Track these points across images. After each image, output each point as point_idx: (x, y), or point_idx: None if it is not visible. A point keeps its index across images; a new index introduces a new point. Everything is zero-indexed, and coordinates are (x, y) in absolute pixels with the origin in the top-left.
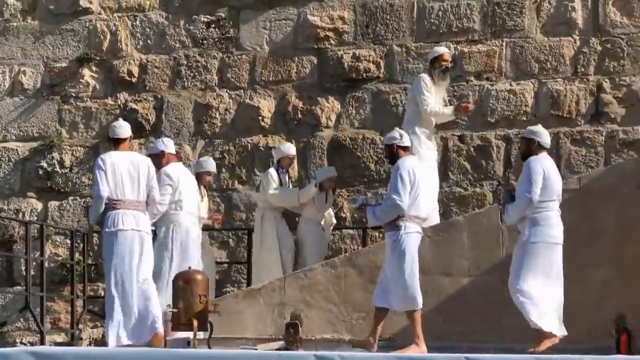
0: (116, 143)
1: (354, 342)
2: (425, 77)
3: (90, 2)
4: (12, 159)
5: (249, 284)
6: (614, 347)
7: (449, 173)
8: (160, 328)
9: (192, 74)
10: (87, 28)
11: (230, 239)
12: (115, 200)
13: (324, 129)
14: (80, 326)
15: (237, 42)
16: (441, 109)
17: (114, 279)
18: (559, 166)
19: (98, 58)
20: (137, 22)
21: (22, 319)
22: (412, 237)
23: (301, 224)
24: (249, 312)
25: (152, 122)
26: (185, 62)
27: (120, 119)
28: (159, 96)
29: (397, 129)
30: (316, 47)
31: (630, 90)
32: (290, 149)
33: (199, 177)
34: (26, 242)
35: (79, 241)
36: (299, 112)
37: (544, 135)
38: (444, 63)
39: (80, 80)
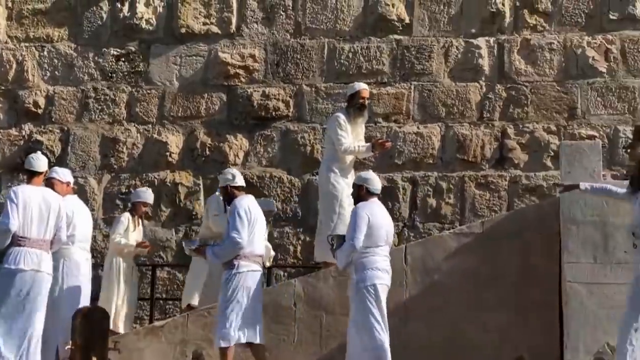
0: (31, 176)
1: None
2: (340, 116)
3: None
4: None
5: (151, 320)
6: None
7: None
8: None
9: (100, 107)
10: None
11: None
12: (21, 237)
13: (231, 166)
14: None
15: (147, 76)
16: (356, 147)
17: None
18: (463, 209)
19: (3, 87)
20: (45, 53)
21: None
22: (245, 275)
23: None
24: (150, 350)
25: (57, 154)
26: (93, 94)
27: (39, 152)
28: (65, 128)
29: (230, 169)
30: (226, 84)
31: (533, 137)
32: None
33: (135, 206)
34: None
35: None
36: (207, 149)
37: (373, 182)
38: (361, 100)
39: None
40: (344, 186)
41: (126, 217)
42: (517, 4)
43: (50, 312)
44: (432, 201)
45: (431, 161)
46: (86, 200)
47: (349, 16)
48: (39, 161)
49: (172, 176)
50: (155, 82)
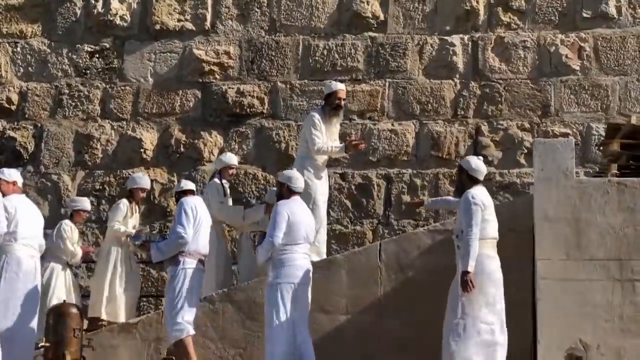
0: None
1: None
2: (315, 115)
3: None
4: None
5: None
6: None
7: (330, 210)
8: None
9: (73, 104)
10: None
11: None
12: None
13: (206, 163)
14: None
15: (121, 72)
16: (329, 147)
17: None
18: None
19: None
20: (18, 49)
21: None
22: (191, 272)
23: (242, 240)
24: (125, 347)
25: (30, 151)
26: (67, 91)
27: None
28: (39, 125)
29: (183, 180)
30: (201, 81)
31: (506, 134)
32: (232, 158)
33: (132, 192)
34: None
35: None
36: (182, 146)
37: (295, 180)
38: (337, 101)
39: None
40: (317, 184)
41: (124, 203)
42: (492, 1)
43: None
44: (407, 198)
45: (405, 158)
46: (60, 197)
47: (323, 13)
48: None
49: (147, 173)
50: (130, 79)
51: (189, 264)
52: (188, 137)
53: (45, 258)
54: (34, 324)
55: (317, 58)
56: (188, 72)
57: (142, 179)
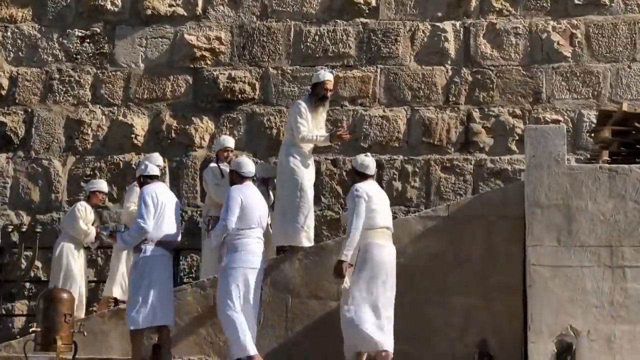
0: None
1: None
2: (301, 103)
3: None
4: None
5: (116, 303)
6: None
7: (321, 197)
8: None
9: (64, 89)
10: None
11: (99, 257)
12: None
13: (197, 148)
14: None
15: (112, 58)
16: (314, 136)
17: None
18: (428, 192)
19: None
20: (8, 34)
21: None
22: (152, 259)
23: None
24: (115, 333)
25: (21, 136)
26: (57, 76)
27: None
28: (30, 110)
29: (146, 161)
30: (192, 66)
31: (498, 121)
32: (228, 141)
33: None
34: None
35: None
36: (173, 131)
37: (245, 166)
38: (323, 91)
39: None
40: (305, 172)
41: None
42: None
43: None
44: (398, 184)
45: (397, 144)
46: (50, 183)
47: None
48: None
49: (138, 158)
50: (121, 64)
51: (151, 251)
52: (179, 123)
53: (59, 237)
54: None
55: (308, 44)
56: (179, 58)
57: (154, 157)
